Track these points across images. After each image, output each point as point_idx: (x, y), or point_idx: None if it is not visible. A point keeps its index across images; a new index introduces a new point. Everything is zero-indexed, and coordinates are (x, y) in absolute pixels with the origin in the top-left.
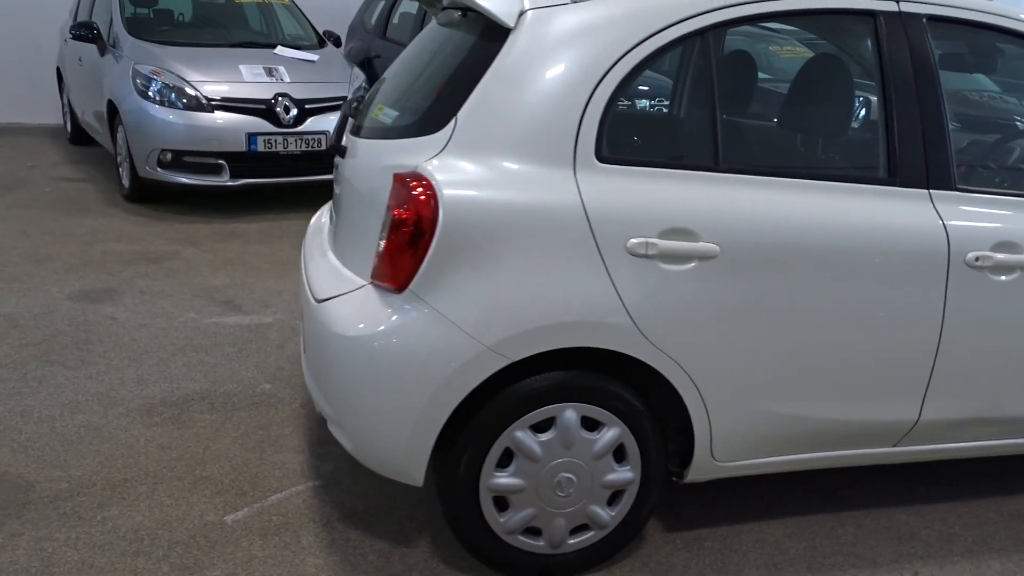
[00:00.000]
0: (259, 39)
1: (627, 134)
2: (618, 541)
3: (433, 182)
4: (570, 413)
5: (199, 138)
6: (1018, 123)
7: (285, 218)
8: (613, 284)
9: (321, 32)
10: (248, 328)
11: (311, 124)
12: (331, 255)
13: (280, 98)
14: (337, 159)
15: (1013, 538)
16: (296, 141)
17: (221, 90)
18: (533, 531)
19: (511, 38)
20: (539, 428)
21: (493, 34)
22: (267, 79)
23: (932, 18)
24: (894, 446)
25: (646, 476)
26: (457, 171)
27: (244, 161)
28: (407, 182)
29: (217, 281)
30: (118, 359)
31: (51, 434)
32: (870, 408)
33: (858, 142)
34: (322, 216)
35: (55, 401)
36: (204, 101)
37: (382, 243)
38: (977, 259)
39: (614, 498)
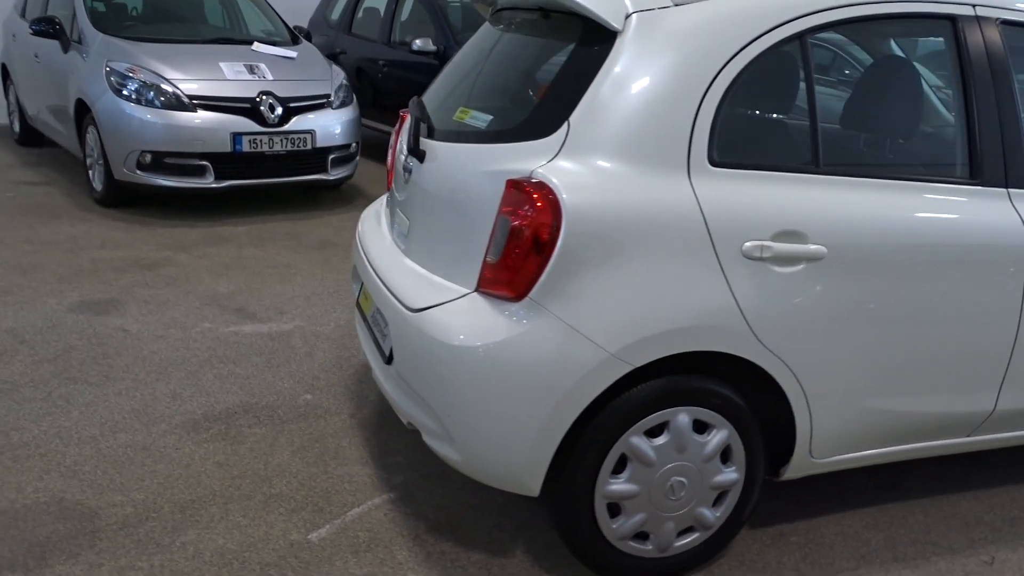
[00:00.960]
0: (228, 35)
1: (735, 137)
2: (721, 541)
3: (554, 188)
4: (683, 417)
5: (181, 139)
6: None
7: (273, 220)
8: (729, 287)
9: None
10: (270, 337)
11: (296, 123)
12: (408, 261)
13: (264, 96)
14: (408, 162)
15: None
16: (282, 141)
17: (203, 88)
18: (641, 535)
19: (619, 41)
20: (651, 433)
21: (597, 37)
22: (249, 77)
23: (1006, 22)
24: (969, 436)
25: (749, 476)
26: (575, 176)
27: (229, 162)
28: (526, 189)
29: (222, 288)
30: (144, 373)
31: (97, 456)
32: (954, 400)
33: (944, 143)
34: (371, 218)
35: (91, 420)
36: (185, 100)
37: (497, 251)
38: None
39: (718, 499)
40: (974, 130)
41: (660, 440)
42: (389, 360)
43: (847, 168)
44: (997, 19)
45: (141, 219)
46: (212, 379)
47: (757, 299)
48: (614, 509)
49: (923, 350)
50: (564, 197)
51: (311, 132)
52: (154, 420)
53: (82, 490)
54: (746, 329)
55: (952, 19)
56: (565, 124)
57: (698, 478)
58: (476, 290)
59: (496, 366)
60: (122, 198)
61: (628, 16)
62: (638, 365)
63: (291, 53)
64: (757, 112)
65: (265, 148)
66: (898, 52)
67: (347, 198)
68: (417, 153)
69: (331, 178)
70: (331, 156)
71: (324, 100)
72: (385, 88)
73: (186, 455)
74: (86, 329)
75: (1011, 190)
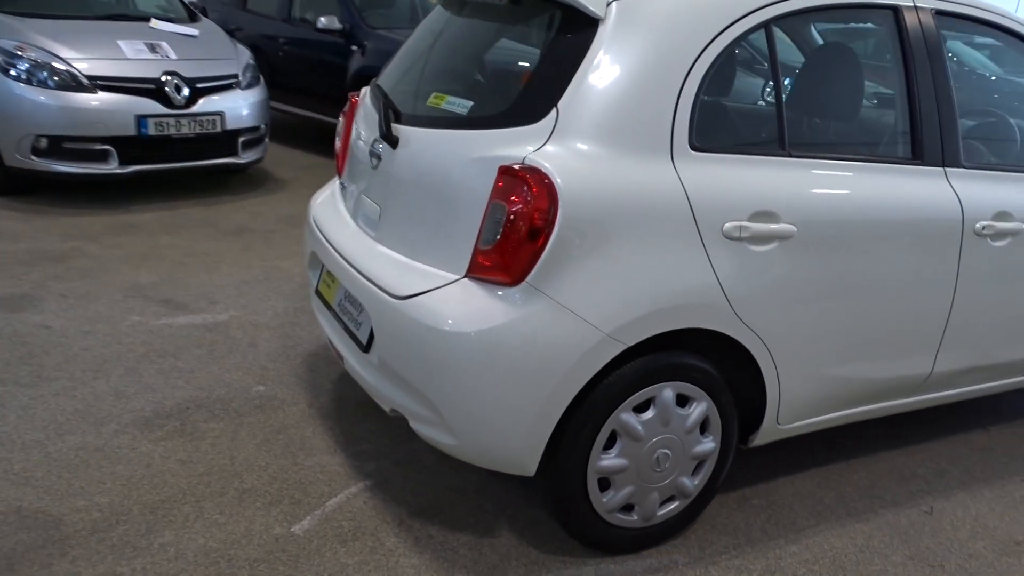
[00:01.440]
0: (121, 10)
1: (712, 122)
2: (697, 509)
3: (549, 173)
4: (668, 392)
5: (81, 122)
6: (1003, 106)
7: (183, 206)
8: (712, 266)
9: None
10: (207, 328)
11: (203, 105)
12: (382, 248)
13: (169, 77)
14: (376, 148)
15: (990, 468)
16: (190, 123)
17: (103, 68)
18: (627, 507)
19: (601, 29)
20: (638, 408)
21: (578, 24)
22: (151, 56)
23: (940, 12)
24: (909, 397)
25: (724, 445)
26: (568, 160)
27: (134, 146)
28: (521, 174)
29: (143, 279)
30: (79, 372)
31: (48, 461)
32: (900, 364)
33: (890, 126)
34: (326, 204)
35: (32, 424)
36: (84, 81)
37: (491, 237)
38: (983, 228)
39: (696, 468)
40: (915, 113)
41: (647, 415)
42: (367, 348)
43: (809, 151)
44: (932, 9)
45: (40, 208)
46: (154, 374)
47: (736, 277)
48: (604, 484)
49: (875, 319)
50: (559, 182)
51: (220, 114)
52: (101, 420)
53: (39, 497)
54: (727, 306)
55: (895, 9)
56: (554, 110)
57: (680, 449)
58: (466, 276)
59: (495, 351)
60: (17, 186)
61: (609, 4)
62: (631, 344)
63: (192, 31)
64: (730, 98)
65: (172, 131)
66: (851, 41)
67: (256, 182)
68: (390, 139)
69: (241, 161)
70: (241, 139)
71: (232, 80)
72: (286, 68)
73: (144, 455)
74: (3, 328)
75: (947, 169)
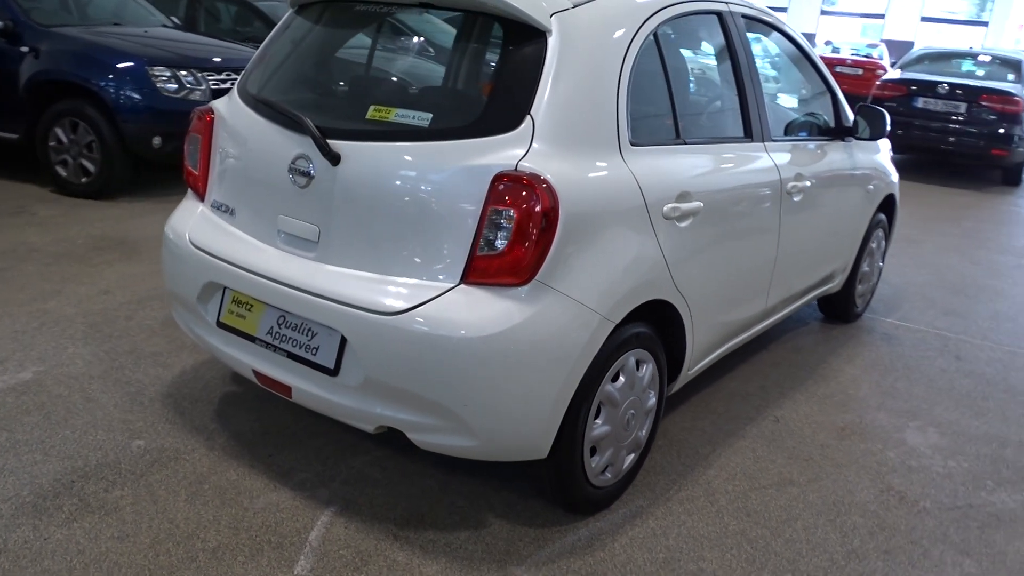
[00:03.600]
0: None
1: (638, 119)
2: (644, 457)
3: (547, 177)
4: (631, 359)
5: None
6: (785, 90)
7: None
8: (659, 244)
9: None
10: (17, 391)
11: None
12: (332, 267)
13: None
14: (303, 167)
15: (789, 377)
16: None
17: None
18: (605, 468)
19: (551, 40)
20: (613, 378)
21: (526, 35)
22: None
23: (745, 16)
24: (750, 330)
25: (660, 397)
26: (553, 164)
27: None
28: (525, 180)
29: None
30: None
31: None
32: (753, 303)
33: (733, 113)
34: (207, 230)
35: None
36: None
37: (491, 242)
38: (791, 187)
39: (645, 422)
40: (744, 100)
41: (619, 383)
42: (335, 371)
43: (694, 138)
44: (740, 13)
45: None
46: None
47: (672, 251)
48: (591, 451)
49: (742, 269)
50: (556, 183)
51: None
52: None
53: None
54: (669, 278)
55: (719, 14)
56: (528, 118)
57: (640, 408)
58: (463, 283)
59: (515, 348)
60: None
61: (551, 16)
62: (617, 322)
63: None
64: (644, 97)
65: None
66: (699, 42)
67: None
68: (329, 155)
69: None
70: None
71: None
72: None
73: (62, 542)
74: None
75: (766, 143)
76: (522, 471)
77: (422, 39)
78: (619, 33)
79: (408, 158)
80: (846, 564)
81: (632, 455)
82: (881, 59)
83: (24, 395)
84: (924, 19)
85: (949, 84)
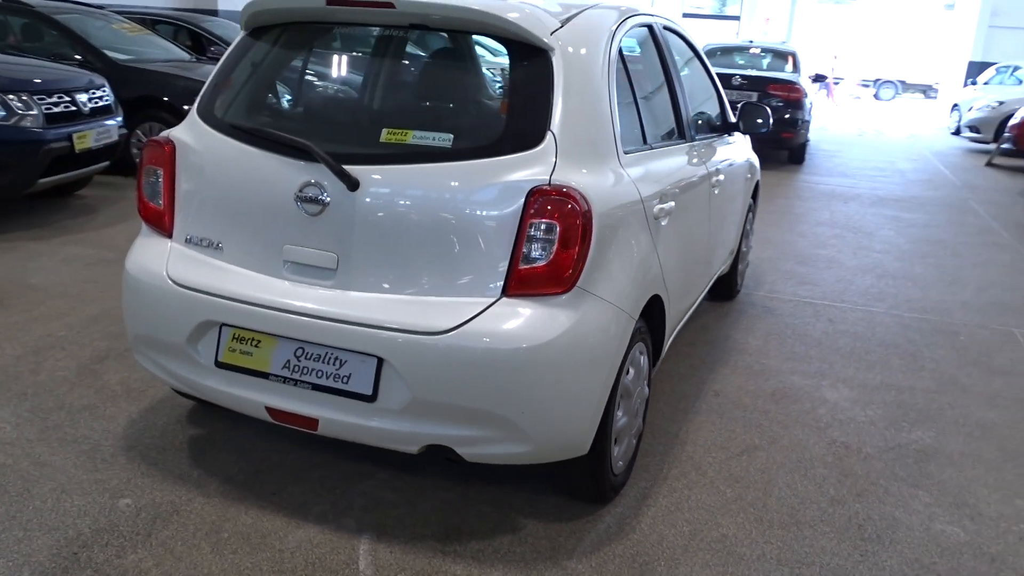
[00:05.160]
0: None
1: (623, 128)
2: (639, 441)
3: (580, 188)
4: (636, 351)
5: None
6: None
7: None
8: (654, 243)
9: None
10: None
11: None
12: (356, 294)
13: None
14: (316, 195)
15: (675, 361)
16: None
17: None
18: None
19: (555, 58)
20: (626, 371)
21: (530, 54)
22: None
23: (666, 27)
24: (689, 312)
25: (649, 383)
26: (578, 175)
27: None
28: (565, 193)
29: None
30: None
31: None
32: (697, 288)
33: (671, 115)
34: (189, 266)
35: None
36: None
37: (533, 255)
38: (714, 180)
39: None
40: (676, 105)
41: (631, 374)
42: (373, 396)
43: (656, 142)
44: (663, 25)
45: None
46: None
47: (661, 248)
48: (614, 441)
49: (692, 259)
50: (589, 194)
51: None
52: None
53: None
54: (660, 272)
55: (650, 27)
56: (549, 134)
57: (641, 395)
58: (505, 296)
59: (568, 353)
60: None
61: (552, 34)
62: (636, 318)
63: None
64: (623, 106)
65: None
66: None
67: None
68: (348, 181)
69: None
70: None
71: None
72: None
73: None
74: None
75: (692, 143)
76: (530, 472)
77: (419, 59)
78: (601, 48)
79: (434, 179)
80: (833, 510)
81: (635, 441)
82: None
83: None
84: (686, 15)
85: (742, 76)
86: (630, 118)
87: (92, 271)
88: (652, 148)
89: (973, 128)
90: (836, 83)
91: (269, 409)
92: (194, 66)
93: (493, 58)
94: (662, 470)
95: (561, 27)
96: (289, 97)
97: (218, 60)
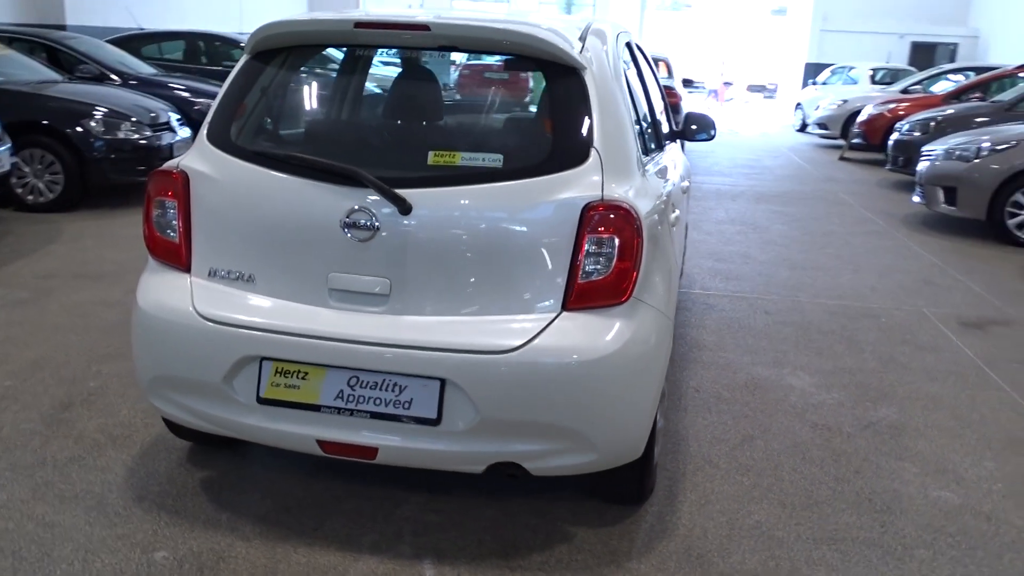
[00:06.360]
0: None
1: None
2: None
3: (631, 203)
4: None
5: None
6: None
7: None
8: (673, 249)
9: None
10: None
11: None
12: (411, 318)
13: None
14: (366, 221)
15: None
16: None
17: None
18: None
19: (588, 77)
20: None
21: (565, 73)
22: None
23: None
24: None
25: None
26: (623, 189)
27: None
28: (620, 208)
29: None
30: None
31: None
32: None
33: (652, 125)
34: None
35: None
36: None
37: (591, 269)
38: (684, 184)
39: None
40: (653, 114)
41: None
42: (438, 420)
43: (651, 151)
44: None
45: None
46: None
47: (675, 253)
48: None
49: (679, 259)
50: (640, 210)
51: None
52: None
53: None
54: (678, 276)
55: (628, 43)
56: (593, 150)
57: (666, 395)
58: (565, 310)
59: (630, 363)
60: None
61: (581, 53)
62: (673, 322)
63: None
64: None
65: None
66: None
67: None
68: (401, 205)
69: None
70: None
71: None
72: None
73: None
74: None
75: (663, 151)
76: (562, 482)
77: (454, 80)
78: (615, 64)
79: (487, 199)
80: (841, 488)
81: (661, 440)
82: None
83: None
84: None
85: None
86: (638, 129)
87: (11, 313)
88: (651, 157)
89: (822, 125)
90: (727, 85)
91: (321, 442)
92: (69, 86)
93: (523, 78)
94: (678, 466)
95: (583, 46)
96: (319, 122)
97: (91, 79)
